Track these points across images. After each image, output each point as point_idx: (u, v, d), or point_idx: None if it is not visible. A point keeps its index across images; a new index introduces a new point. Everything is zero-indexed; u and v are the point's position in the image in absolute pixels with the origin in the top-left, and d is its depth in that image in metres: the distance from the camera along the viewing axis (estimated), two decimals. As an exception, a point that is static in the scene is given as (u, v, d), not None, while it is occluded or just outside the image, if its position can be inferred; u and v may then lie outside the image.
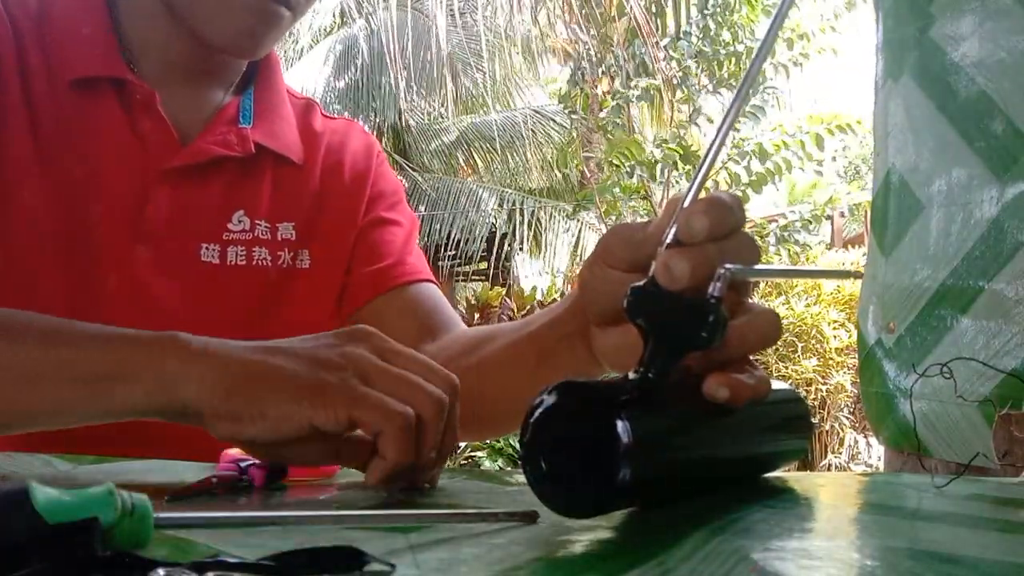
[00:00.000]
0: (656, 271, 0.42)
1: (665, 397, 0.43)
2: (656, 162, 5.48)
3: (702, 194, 0.45)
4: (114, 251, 0.76)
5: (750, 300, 0.48)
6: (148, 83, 0.78)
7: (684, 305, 0.42)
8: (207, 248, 0.80)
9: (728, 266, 0.42)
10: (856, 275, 0.60)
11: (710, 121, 6.12)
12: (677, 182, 5.57)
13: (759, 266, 0.48)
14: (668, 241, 0.44)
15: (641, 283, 0.43)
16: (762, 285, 5.69)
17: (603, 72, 6.48)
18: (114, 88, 0.78)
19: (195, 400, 0.48)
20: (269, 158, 0.84)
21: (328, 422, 0.46)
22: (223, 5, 0.74)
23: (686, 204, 0.44)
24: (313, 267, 0.85)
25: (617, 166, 5.64)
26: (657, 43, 6.10)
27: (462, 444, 5.05)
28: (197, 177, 0.80)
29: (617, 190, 5.59)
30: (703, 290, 0.42)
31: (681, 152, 5.40)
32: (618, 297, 0.44)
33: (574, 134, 7.40)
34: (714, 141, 0.45)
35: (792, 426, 0.53)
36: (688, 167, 5.46)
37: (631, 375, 0.43)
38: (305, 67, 9.18)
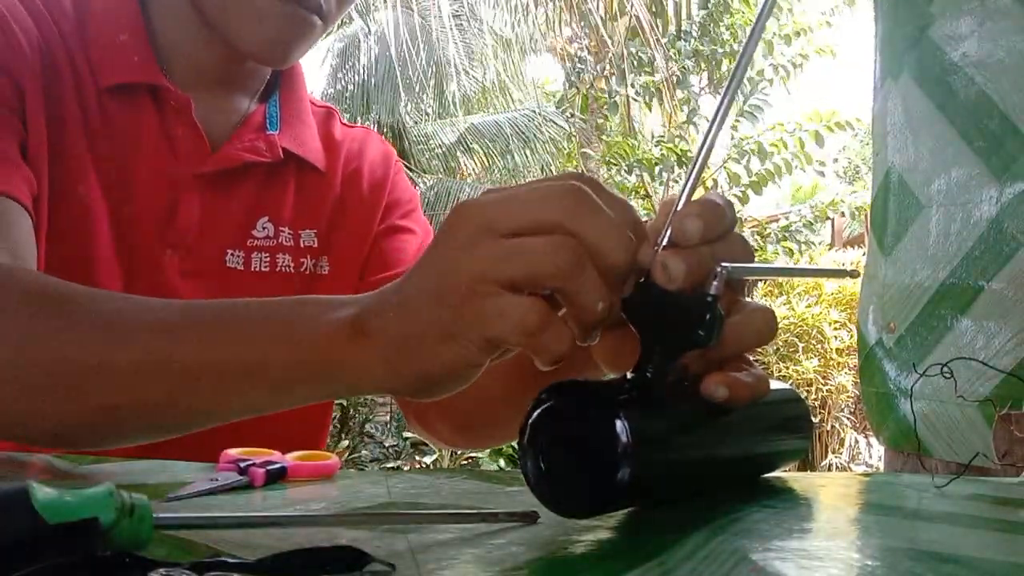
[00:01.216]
0: (652, 271, 0.43)
1: (664, 397, 0.43)
2: (655, 162, 5.49)
3: (697, 195, 0.45)
4: (145, 254, 0.77)
5: (746, 299, 0.48)
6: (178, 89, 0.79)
7: (681, 304, 0.42)
8: (232, 254, 0.80)
9: (725, 264, 0.42)
10: (853, 274, 0.60)
11: (707, 120, 6.11)
12: (676, 182, 5.57)
13: (755, 264, 0.48)
14: (663, 243, 0.44)
15: (637, 284, 0.44)
16: (762, 285, 5.68)
17: (600, 72, 6.48)
18: (150, 94, 0.78)
19: (373, 390, 0.47)
20: (293, 165, 0.84)
21: (475, 361, 0.42)
22: (255, 13, 0.74)
23: (679, 207, 0.44)
24: (331, 273, 0.85)
25: (615, 165, 5.64)
26: (658, 40, 6.10)
27: (459, 451, 5.04)
28: (225, 183, 0.80)
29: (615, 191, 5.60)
30: (699, 289, 0.42)
31: (677, 153, 5.40)
32: None
33: (572, 135, 7.39)
34: (703, 144, 0.46)
35: (792, 426, 0.53)
36: (683, 169, 5.46)
37: (629, 375, 0.43)
38: (303, 67, 9.18)
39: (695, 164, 0.45)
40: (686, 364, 0.43)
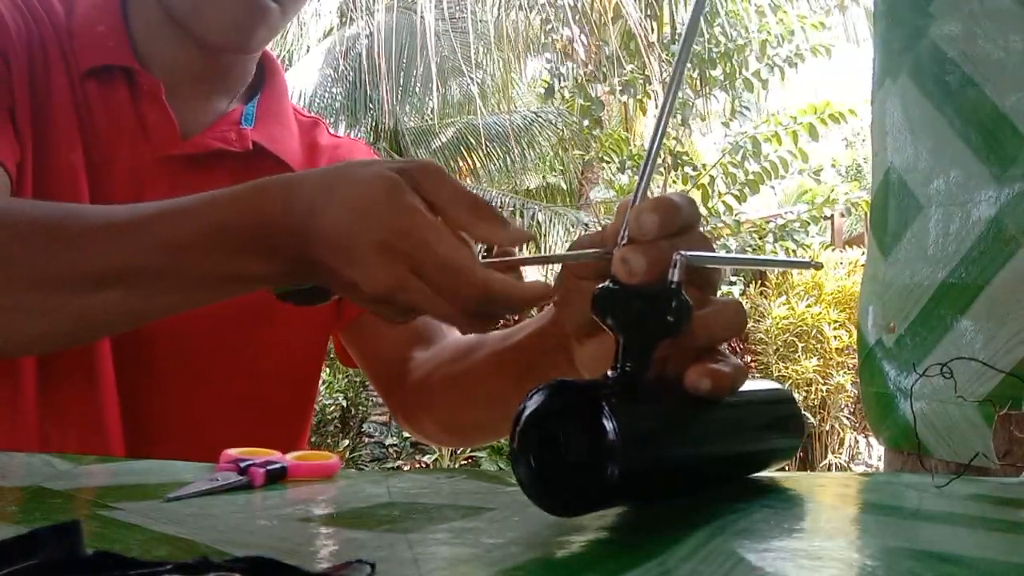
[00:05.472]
0: (614, 268, 0.44)
1: (647, 392, 0.43)
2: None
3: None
4: None
5: (715, 296, 0.50)
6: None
7: (647, 296, 0.44)
8: None
9: (682, 252, 0.44)
10: (816, 265, 0.61)
11: (702, 120, 6.11)
12: (674, 182, 5.57)
13: (714, 254, 0.49)
14: (623, 241, 0.45)
15: (604, 284, 0.45)
16: (760, 283, 5.68)
17: (587, 74, 6.47)
18: (124, 78, 0.81)
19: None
20: (269, 161, 0.85)
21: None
22: (214, 1, 0.77)
23: (634, 205, 0.46)
24: None
25: (609, 162, 5.65)
26: (651, 44, 6.10)
27: (459, 449, 5.02)
28: (197, 170, 0.82)
29: (612, 192, 5.61)
30: (663, 281, 0.43)
31: (673, 154, 5.39)
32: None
33: (564, 134, 7.38)
34: (651, 144, 0.47)
35: (783, 425, 0.53)
36: (682, 169, 5.45)
37: (609, 373, 0.43)
38: (301, 69, 9.18)
39: (647, 162, 0.47)
40: (663, 359, 0.44)
